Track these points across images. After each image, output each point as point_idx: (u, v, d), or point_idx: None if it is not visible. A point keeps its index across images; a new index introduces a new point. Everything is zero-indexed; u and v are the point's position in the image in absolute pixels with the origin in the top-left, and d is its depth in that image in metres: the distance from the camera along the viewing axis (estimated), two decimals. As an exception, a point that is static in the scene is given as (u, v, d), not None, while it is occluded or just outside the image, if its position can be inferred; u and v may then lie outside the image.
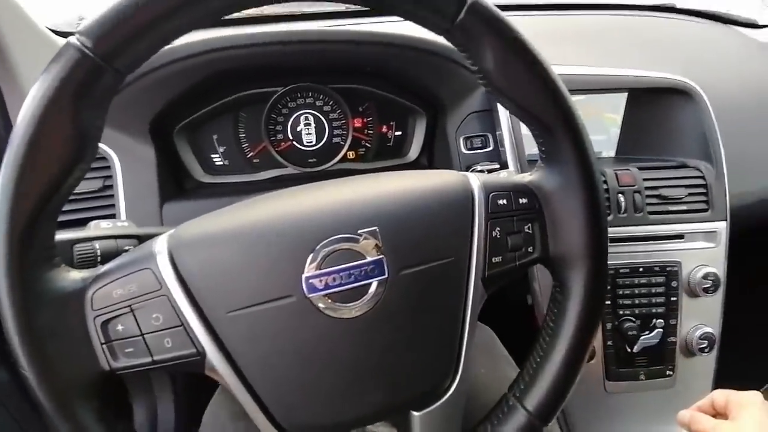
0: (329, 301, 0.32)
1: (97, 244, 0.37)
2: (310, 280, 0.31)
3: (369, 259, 0.32)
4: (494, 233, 0.35)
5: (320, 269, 0.31)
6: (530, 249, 0.37)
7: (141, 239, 0.40)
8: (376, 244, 0.32)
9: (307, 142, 0.72)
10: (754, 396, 0.43)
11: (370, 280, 0.32)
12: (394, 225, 0.33)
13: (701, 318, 0.67)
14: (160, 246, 0.32)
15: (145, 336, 0.30)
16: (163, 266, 0.31)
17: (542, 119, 0.34)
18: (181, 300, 0.31)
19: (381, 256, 0.32)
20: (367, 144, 0.75)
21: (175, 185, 0.66)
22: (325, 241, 0.32)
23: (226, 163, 0.71)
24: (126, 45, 0.28)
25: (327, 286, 0.31)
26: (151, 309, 0.30)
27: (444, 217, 0.35)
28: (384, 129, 0.75)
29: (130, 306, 0.30)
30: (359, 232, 0.32)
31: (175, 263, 0.31)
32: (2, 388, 0.55)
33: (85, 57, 0.27)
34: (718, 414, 0.46)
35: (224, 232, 0.33)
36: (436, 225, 0.34)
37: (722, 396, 0.45)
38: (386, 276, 0.32)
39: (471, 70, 0.34)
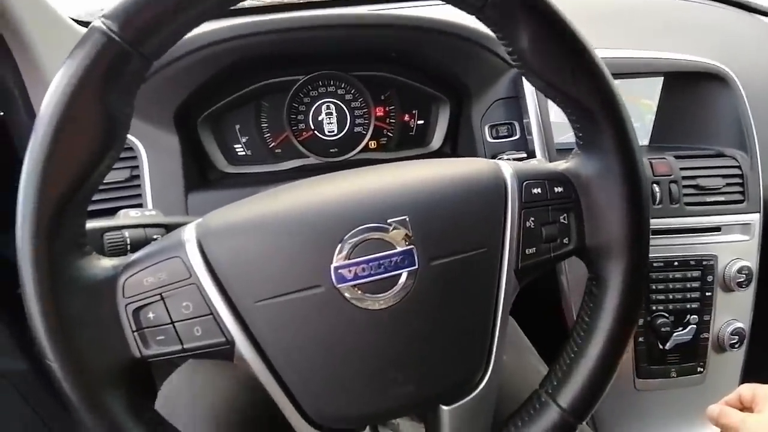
0: (358, 291, 0.31)
1: (126, 233, 0.37)
2: (339, 270, 0.31)
3: (399, 249, 0.31)
4: (528, 223, 0.34)
5: (349, 259, 0.31)
6: (566, 240, 0.35)
7: (169, 228, 0.40)
8: (406, 234, 0.31)
9: (329, 132, 0.71)
10: None
11: (400, 271, 0.31)
12: (425, 214, 0.32)
13: (733, 313, 0.65)
14: (189, 234, 0.32)
15: (175, 324, 0.30)
16: (192, 255, 0.31)
17: (581, 103, 0.33)
18: (210, 288, 0.30)
19: (411, 246, 0.31)
20: (389, 133, 0.74)
21: (199, 175, 0.67)
22: (353, 231, 0.31)
23: (249, 153, 0.71)
24: (153, 29, 0.28)
25: (356, 277, 0.31)
26: (181, 297, 0.30)
27: (476, 206, 0.34)
28: (406, 117, 0.74)
29: (160, 294, 0.30)
30: (389, 221, 0.31)
31: (204, 252, 0.31)
32: (22, 380, 0.55)
33: (111, 41, 0.27)
34: (745, 408, 0.46)
35: (253, 221, 0.32)
36: (467, 214, 0.33)
37: (749, 390, 0.46)
38: (416, 267, 0.31)
39: (501, 56, 0.33)
